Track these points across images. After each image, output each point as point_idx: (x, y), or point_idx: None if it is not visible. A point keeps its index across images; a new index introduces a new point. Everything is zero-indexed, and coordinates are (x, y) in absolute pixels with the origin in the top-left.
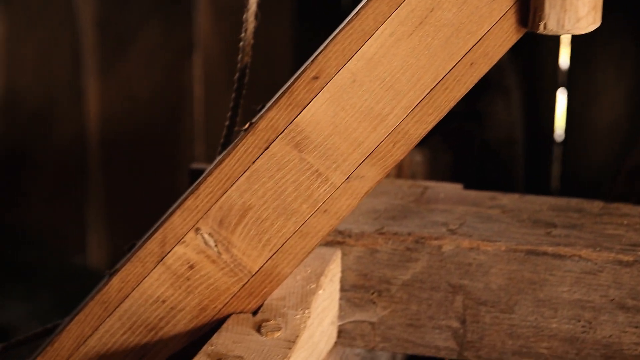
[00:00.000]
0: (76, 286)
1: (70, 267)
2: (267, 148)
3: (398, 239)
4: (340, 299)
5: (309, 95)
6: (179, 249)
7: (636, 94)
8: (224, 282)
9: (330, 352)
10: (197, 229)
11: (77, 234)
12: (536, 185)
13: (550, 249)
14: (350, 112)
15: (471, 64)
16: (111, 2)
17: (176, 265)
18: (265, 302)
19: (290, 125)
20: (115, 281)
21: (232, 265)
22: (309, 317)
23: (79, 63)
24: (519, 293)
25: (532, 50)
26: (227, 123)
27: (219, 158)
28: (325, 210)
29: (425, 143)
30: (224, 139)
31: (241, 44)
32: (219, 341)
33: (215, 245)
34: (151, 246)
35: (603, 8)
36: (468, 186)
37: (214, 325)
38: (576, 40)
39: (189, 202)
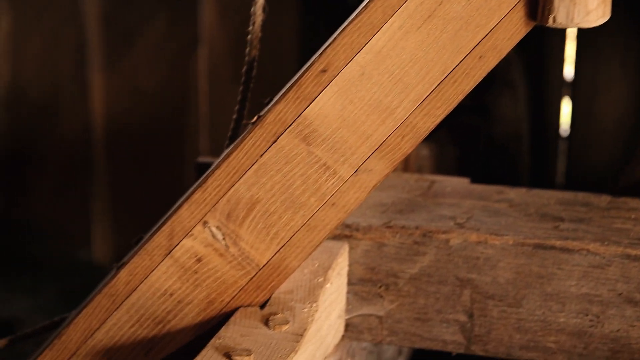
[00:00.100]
0: (81, 280)
1: (75, 261)
2: (275, 141)
3: (406, 233)
4: (348, 292)
5: (317, 88)
6: (187, 242)
7: None
8: (232, 275)
9: (338, 345)
10: (205, 222)
11: (83, 228)
12: (541, 179)
13: (558, 243)
14: (359, 105)
15: (480, 57)
16: None
17: (184, 259)
18: (273, 296)
19: (299, 119)
20: (123, 274)
21: (239, 259)
22: (316, 310)
23: (84, 57)
24: (526, 287)
25: (538, 45)
26: (234, 116)
27: (226, 151)
28: (333, 204)
29: (431, 137)
30: (231, 132)
31: (249, 36)
32: (227, 334)
33: (223, 239)
34: (159, 239)
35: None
36: (474, 180)
37: (222, 319)
38: (582, 34)
39: (196, 196)
